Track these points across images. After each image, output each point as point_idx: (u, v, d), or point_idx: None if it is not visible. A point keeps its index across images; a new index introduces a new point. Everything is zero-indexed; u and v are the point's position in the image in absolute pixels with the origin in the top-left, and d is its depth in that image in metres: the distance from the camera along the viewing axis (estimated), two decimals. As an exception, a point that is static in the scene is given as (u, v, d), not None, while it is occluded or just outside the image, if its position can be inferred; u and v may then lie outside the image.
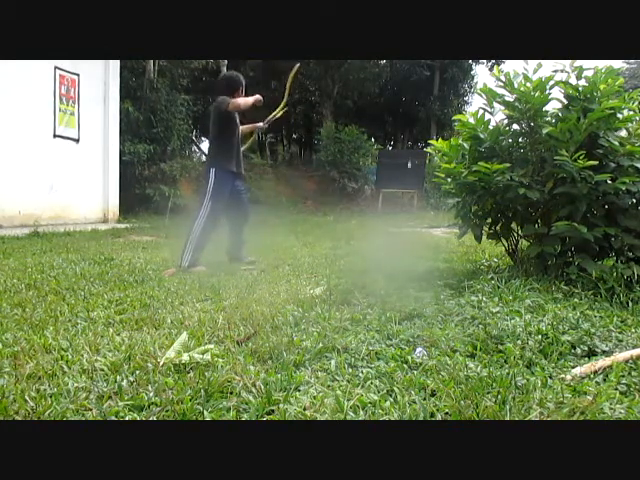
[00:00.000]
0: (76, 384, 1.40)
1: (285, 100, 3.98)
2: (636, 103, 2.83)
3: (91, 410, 1.26)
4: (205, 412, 1.24)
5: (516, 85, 2.94)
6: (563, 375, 1.49)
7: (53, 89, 8.13)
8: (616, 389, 1.38)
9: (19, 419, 1.22)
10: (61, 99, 8.29)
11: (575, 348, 1.73)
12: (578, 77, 2.87)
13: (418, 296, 2.50)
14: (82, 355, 1.66)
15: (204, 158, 18.37)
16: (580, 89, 2.82)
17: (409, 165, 13.73)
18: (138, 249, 5.08)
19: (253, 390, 1.36)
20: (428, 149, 3.70)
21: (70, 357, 1.64)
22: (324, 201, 15.22)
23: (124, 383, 1.41)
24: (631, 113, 2.82)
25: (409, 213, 12.73)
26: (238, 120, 3.95)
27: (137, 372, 1.50)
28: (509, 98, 3.01)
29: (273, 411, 1.27)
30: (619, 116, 2.80)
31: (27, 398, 1.30)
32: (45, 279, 3.08)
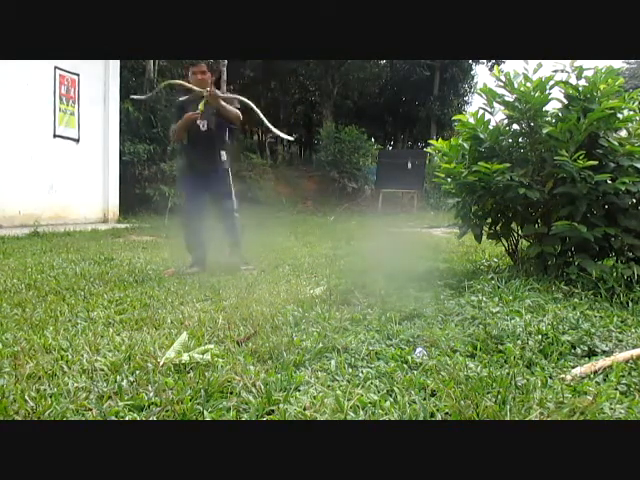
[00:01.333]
0: (76, 384, 1.40)
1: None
2: (636, 103, 2.83)
3: (91, 410, 1.26)
4: (205, 412, 1.24)
5: (516, 85, 2.94)
6: (563, 375, 1.49)
7: (53, 89, 8.13)
8: (616, 389, 1.38)
9: (19, 419, 1.22)
10: (61, 99, 8.29)
11: (575, 348, 1.73)
12: (578, 77, 2.87)
13: (418, 296, 2.50)
14: (82, 355, 1.66)
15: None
16: (580, 89, 2.82)
17: (409, 165, 13.72)
18: (138, 249, 5.08)
19: (253, 390, 1.37)
20: (428, 149, 3.70)
21: (70, 357, 1.64)
22: (324, 201, 15.22)
23: (124, 383, 1.41)
24: (631, 113, 2.82)
25: (409, 213, 12.73)
26: (200, 122, 3.56)
27: (137, 372, 1.50)
28: (509, 98, 3.01)
29: (273, 411, 1.27)
30: (619, 116, 2.80)
31: (27, 398, 1.30)
32: (45, 279, 3.08)
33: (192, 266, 3.59)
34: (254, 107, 3.50)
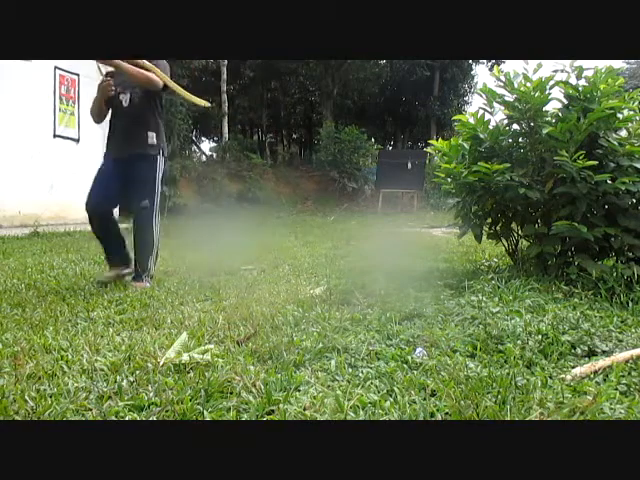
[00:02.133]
0: (76, 384, 1.40)
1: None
2: (636, 103, 2.83)
3: (91, 410, 1.26)
4: (205, 412, 1.24)
5: (516, 85, 2.94)
6: (563, 375, 1.49)
7: (53, 89, 8.13)
8: (616, 389, 1.38)
9: (19, 419, 1.22)
10: (61, 99, 8.29)
11: (575, 348, 1.72)
12: (578, 77, 2.87)
13: (418, 296, 2.50)
14: (82, 355, 1.66)
15: (204, 158, 18.35)
16: (580, 89, 2.82)
17: (409, 165, 13.74)
18: (138, 249, 5.06)
19: (253, 390, 1.36)
20: (428, 149, 3.70)
21: (70, 357, 1.64)
22: (324, 201, 15.24)
23: (124, 383, 1.41)
24: (631, 113, 2.82)
25: (409, 213, 12.74)
26: (122, 95, 2.98)
27: (137, 372, 1.50)
28: (509, 98, 3.01)
29: (273, 411, 1.27)
30: (619, 116, 2.80)
31: (27, 398, 1.30)
32: (45, 279, 3.08)
33: (110, 270, 3.01)
34: (155, 69, 2.84)
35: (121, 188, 3.02)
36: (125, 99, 2.96)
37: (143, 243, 3.11)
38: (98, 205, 2.97)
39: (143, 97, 2.96)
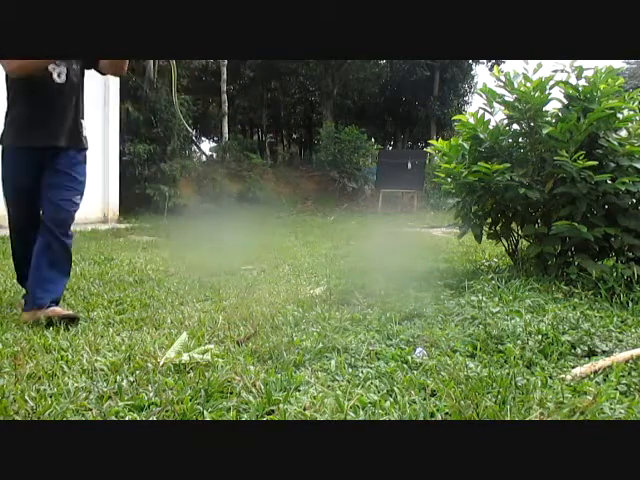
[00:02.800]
0: (76, 384, 1.40)
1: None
2: (636, 103, 2.83)
3: (91, 410, 1.26)
4: (205, 412, 1.24)
5: (516, 85, 2.94)
6: (563, 375, 1.49)
7: (53, 89, 8.12)
8: (616, 389, 1.38)
9: (19, 419, 1.22)
10: (61, 99, 8.29)
11: (575, 348, 1.73)
12: (578, 77, 2.87)
13: (418, 296, 2.50)
14: (82, 355, 1.66)
15: (204, 158, 18.32)
16: (580, 89, 2.82)
17: (409, 165, 13.72)
18: (138, 249, 5.07)
19: (253, 390, 1.37)
20: (428, 149, 3.70)
21: (70, 357, 1.64)
22: (324, 201, 15.23)
23: (124, 383, 1.41)
24: (631, 113, 2.82)
25: (409, 213, 12.73)
26: (54, 68, 2.20)
27: (137, 372, 1.50)
28: (509, 98, 3.01)
29: (273, 411, 1.27)
30: (619, 116, 2.80)
31: (27, 398, 1.30)
32: (45, 279, 3.07)
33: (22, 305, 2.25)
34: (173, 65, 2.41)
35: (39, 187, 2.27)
36: (59, 73, 2.21)
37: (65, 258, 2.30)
38: (29, 214, 2.29)
39: (80, 76, 2.30)
